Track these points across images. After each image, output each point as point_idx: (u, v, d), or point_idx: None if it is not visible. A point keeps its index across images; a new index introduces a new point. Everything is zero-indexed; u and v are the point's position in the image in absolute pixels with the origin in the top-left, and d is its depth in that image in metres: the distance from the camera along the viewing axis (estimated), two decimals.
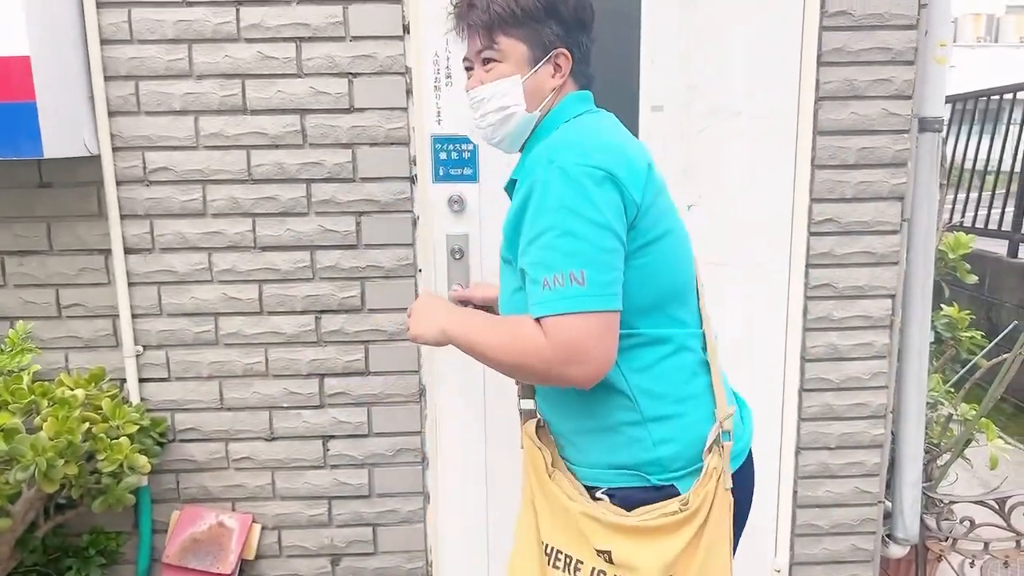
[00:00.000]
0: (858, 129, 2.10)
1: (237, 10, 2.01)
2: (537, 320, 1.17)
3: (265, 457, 2.21)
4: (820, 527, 2.30)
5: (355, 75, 2.04)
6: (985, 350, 2.77)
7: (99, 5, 1.99)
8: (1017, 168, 4.93)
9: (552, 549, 1.33)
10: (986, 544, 2.41)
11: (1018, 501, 2.41)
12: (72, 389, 1.91)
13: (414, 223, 2.11)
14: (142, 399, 2.16)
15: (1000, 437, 2.72)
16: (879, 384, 2.23)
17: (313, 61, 2.03)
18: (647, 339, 1.26)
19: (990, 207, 5.28)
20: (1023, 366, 2.56)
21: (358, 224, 2.10)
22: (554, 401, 1.36)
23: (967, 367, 2.84)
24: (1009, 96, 5.10)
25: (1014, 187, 4.97)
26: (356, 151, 2.07)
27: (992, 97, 5.31)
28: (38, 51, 1.82)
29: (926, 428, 2.40)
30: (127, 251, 2.10)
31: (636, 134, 2.10)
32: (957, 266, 2.82)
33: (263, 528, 2.23)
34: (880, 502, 2.31)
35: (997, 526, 2.43)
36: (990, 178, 5.37)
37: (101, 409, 1.93)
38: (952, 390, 2.82)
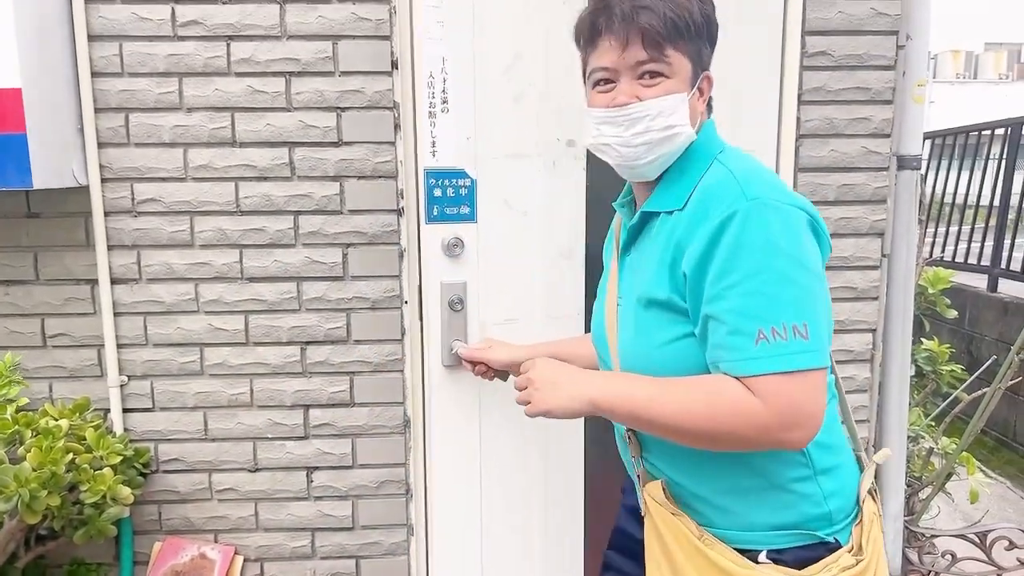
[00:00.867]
0: (838, 166, 2.15)
1: (228, 44, 2.04)
2: (739, 378, 1.05)
3: (248, 488, 2.19)
4: None
5: (344, 109, 2.06)
6: (965, 384, 2.80)
7: (91, 38, 2.01)
8: (996, 203, 5.02)
9: None
10: None
11: (999, 535, 2.43)
12: (56, 419, 1.90)
13: (401, 255, 2.12)
14: (126, 429, 2.14)
15: (981, 471, 2.74)
16: (860, 418, 2.25)
17: (302, 95, 2.06)
18: None
19: (970, 241, 5.36)
20: (1003, 400, 2.59)
21: (345, 256, 2.11)
22: (690, 461, 1.21)
23: (948, 401, 2.87)
24: (988, 132, 5.21)
25: (993, 222, 5.05)
26: (344, 184, 2.09)
27: (971, 133, 5.41)
28: (30, 83, 1.84)
29: (907, 462, 2.42)
30: (114, 281, 2.10)
31: None
32: (937, 300, 2.86)
33: (245, 560, 2.20)
34: None
35: (978, 560, 2.45)
36: (970, 212, 5.46)
37: (85, 439, 1.92)
38: (933, 423, 2.85)
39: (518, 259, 2.13)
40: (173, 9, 2.01)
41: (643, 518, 1.33)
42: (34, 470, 1.72)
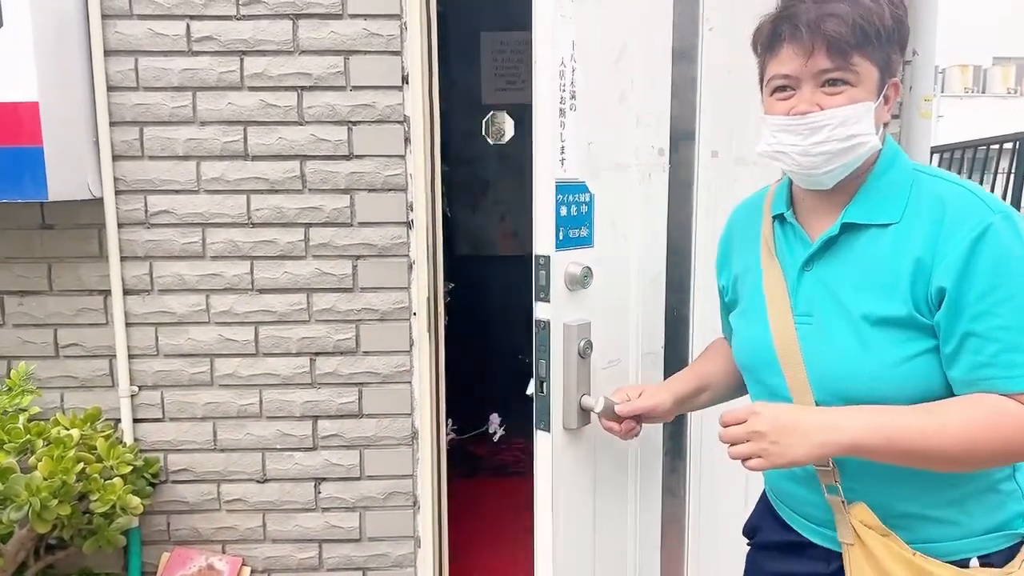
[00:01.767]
0: None
1: (241, 59, 2.06)
2: (1013, 394, 1.06)
3: (257, 499, 2.20)
4: None
5: (355, 123, 2.08)
6: None
7: (107, 53, 2.04)
8: None
9: None
10: None
11: None
12: (68, 429, 1.92)
13: (410, 267, 2.13)
14: (136, 439, 2.16)
15: None
16: None
17: (314, 109, 2.08)
18: None
19: None
20: None
21: (355, 267, 2.13)
22: (908, 479, 1.16)
23: None
24: (996, 146, 5.21)
25: None
26: (354, 196, 2.11)
27: (980, 147, 5.41)
28: (47, 97, 1.87)
29: None
30: (126, 292, 2.12)
31: (696, 180, 1.88)
32: None
33: (252, 571, 2.21)
34: None
35: None
36: None
37: (95, 449, 1.94)
38: None
39: (623, 290, 1.79)
40: (188, 25, 2.04)
41: (811, 548, 1.28)
42: (45, 479, 1.73)
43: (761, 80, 1.24)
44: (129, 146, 2.08)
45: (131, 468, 1.96)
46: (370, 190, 2.11)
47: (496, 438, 4.30)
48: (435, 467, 2.24)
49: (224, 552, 2.21)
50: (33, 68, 1.84)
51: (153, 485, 2.14)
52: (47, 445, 1.82)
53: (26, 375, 1.98)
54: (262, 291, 2.13)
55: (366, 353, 2.16)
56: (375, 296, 2.14)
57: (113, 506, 1.87)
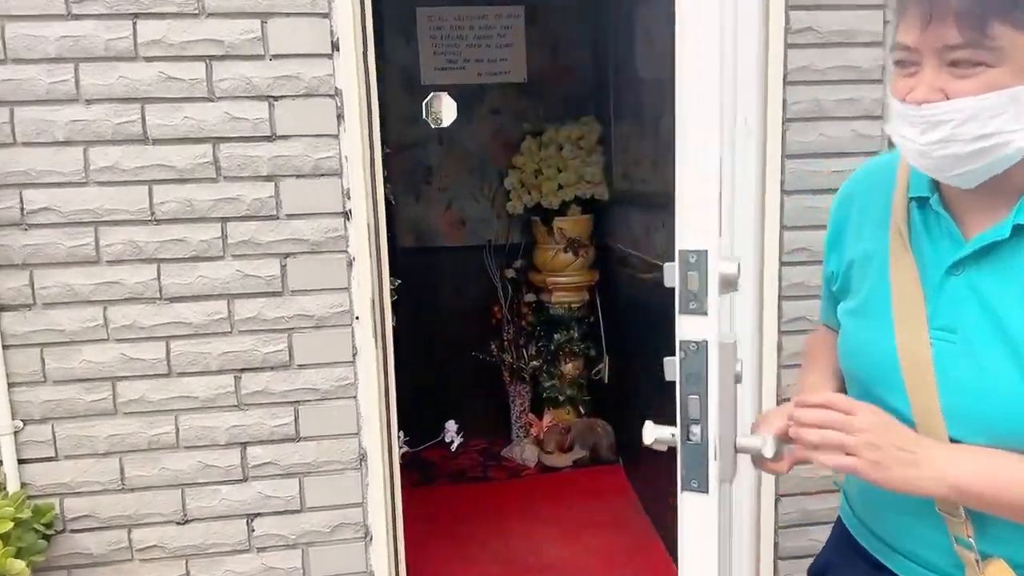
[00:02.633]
0: (828, 151, 2.00)
1: (134, 23, 1.77)
2: None
3: (177, 544, 1.94)
4: None
5: (276, 98, 1.84)
6: None
7: None
8: None
9: None
10: None
11: None
12: None
13: (349, 264, 1.89)
14: (23, 484, 1.86)
15: None
16: None
17: (226, 83, 1.82)
18: None
19: None
20: None
21: (283, 267, 1.89)
22: None
23: None
24: None
25: None
26: (280, 184, 1.86)
27: None
28: None
29: None
30: (2, 308, 1.82)
31: None
32: None
33: None
34: None
35: None
36: None
37: None
38: None
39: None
40: None
41: None
42: None
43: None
44: None
45: (14, 522, 1.63)
46: (298, 176, 1.86)
47: (454, 447, 4.10)
48: (388, 491, 2.02)
49: None
50: None
51: (47, 538, 1.84)
52: None
53: None
54: (172, 300, 1.87)
55: (301, 366, 1.93)
56: (309, 300, 1.91)
57: None
